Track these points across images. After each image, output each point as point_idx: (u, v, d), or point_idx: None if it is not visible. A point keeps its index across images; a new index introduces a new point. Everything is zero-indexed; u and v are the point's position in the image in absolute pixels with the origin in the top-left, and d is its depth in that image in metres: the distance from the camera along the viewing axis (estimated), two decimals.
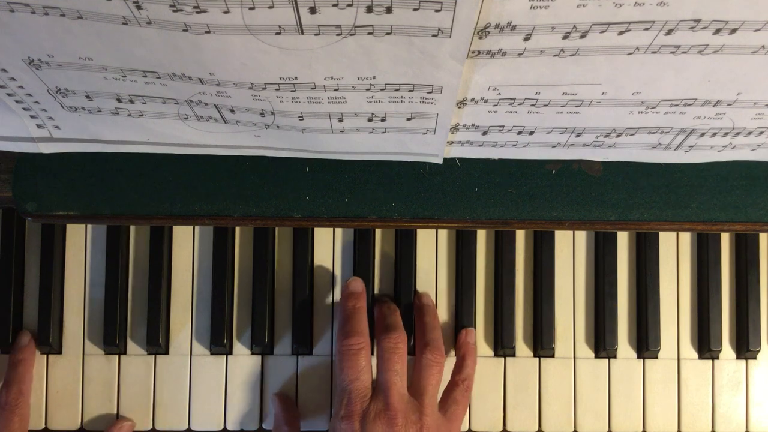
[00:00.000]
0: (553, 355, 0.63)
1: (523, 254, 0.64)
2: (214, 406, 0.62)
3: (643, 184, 0.56)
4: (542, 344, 0.62)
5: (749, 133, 0.50)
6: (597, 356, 0.63)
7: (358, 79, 0.42)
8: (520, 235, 0.64)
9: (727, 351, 0.64)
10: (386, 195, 0.55)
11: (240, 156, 0.55)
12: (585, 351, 0.63)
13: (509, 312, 0.62)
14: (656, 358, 0.63)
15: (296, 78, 0.41)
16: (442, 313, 0.63)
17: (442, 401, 0.59)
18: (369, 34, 0.37)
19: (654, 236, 0.63)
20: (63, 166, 0.55)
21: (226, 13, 0.35)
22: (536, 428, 0.63)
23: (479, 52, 0.39)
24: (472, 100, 0.46)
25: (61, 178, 0.55)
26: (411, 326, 0.62)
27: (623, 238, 0.64)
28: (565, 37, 0.38)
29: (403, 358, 0.57)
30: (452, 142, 0.53)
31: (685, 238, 0.64)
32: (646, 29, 0.37)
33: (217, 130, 0.51)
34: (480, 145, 0.53)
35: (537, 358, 0.63)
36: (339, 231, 0.64)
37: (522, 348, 0.63)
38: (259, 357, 0.63)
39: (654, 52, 0.39)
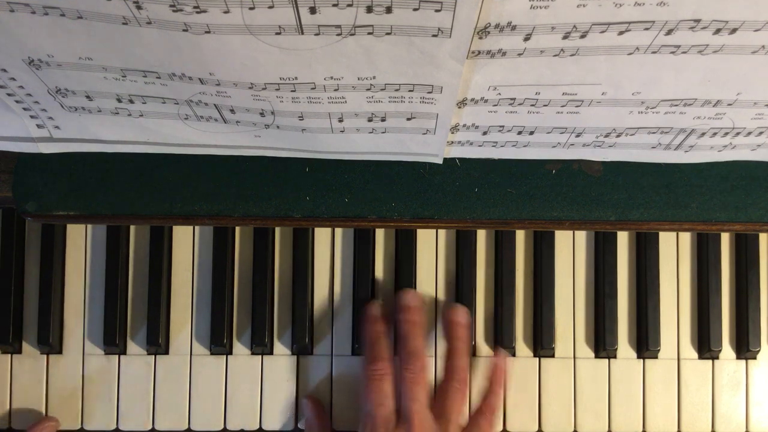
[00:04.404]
0: (553, 355, 0.63)
1: (523, 254, 0.64)
2: (214, 406, 0.62)
3: (643, 184, 0.56)
4: (542, 344, 0.62)
5: (749, 133, 0.50)
6: (597, 356, 0.63)
7: (358, 79, 0.42)
8: (520, 235, 0.64)
9: (727, 351, 0.64)
10: (386, 195, 0.55)
11: (240, 156, 0.55)
12: (585, 351, 0.63)
13: (509, 312, 0.62)
14: (656, 358, 0.63)
15: (296, 78, 0.41)
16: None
17: (468, 428, 0.59)
18: (369, 34, 0.37)
19: (654, 236, 0.63)
20: (63, 166, 0.55)
21: (226, 13, 0.35)
22: (536, 428, 0.63)
23: (479, 52, 0.39)
24: (472, 100, 0.46)
25: (61, 178, 0.55)
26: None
27: (623, 238, 0.64)
28: (565, 37, 0.38)
29: (426, 386, 0.57)
30: (452, 142, 0.53)
31: (685, 238, 0.64)
32: (646, 29, 0.37)
33: (217, 130, 0.51)
34: (480, 145, 0.53)
35: (537, 358, 0.63)
36: (339, 231, 0.64)
37: (522, 348, 0.63)
38: (259, 357, 0.63)
39: (654, 52, 0.39)
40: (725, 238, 0.64)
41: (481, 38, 0.38)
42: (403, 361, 0.58)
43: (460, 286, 0.63)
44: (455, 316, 0.61)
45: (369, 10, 0.35)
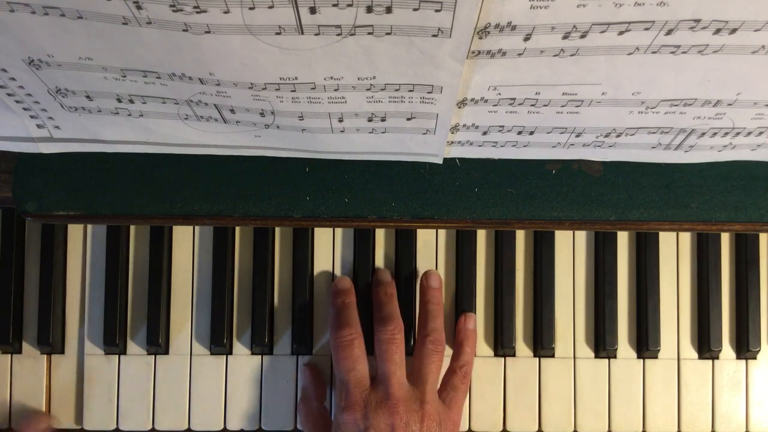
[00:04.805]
0: (553, 355, 0.63)
1: (523, 254, 0.64)
2: (214, 406, 0.62)
3: (643, 184, 0.56)
4: (542, 344, 0.62)
5: (749, 133, 0.50)
6: (597, 356, 0.63)
7: (358, 79, 0.42)
8: (520, 235, 0.64)
9: (727, 351, 0.64)
10: (386, 195, 0.55)
11: (240, 156, 0.55)
12: (585, 351, 0.63)
13: (509, 312, 0.62)
14: (656, 358, 0.63)
15: (296, 78, 0.41)
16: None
17: (441, 388, 0.59)
18: (369, 34, 0.37)
19: (654, 236, 0.63)
20: (63, 166, 0.55)
21: (226, 13, 0.35)
22: (536, 428, 0.63)
23: (479, 52, 0.39)
24: (472, 100, 0.46)
25: (61, 178, 0.55)
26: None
27: (623, 238, 0.64)
28: (565, 37, 0.38)
29: (401, 347, 0.57)
30: (452, 142, 0.53)
31: (685, 238, 0.64)
32: (646, 29, 0.37)
33: (217, 130, 0.51)
34: (480, 145, 0.53)
35: (537, 358, 0.63)
36: (339, 231, 0.64)
37: (522, 348, 0.63)
38: (259, 357, 0.63)
39: (654, 52, 0.39)
40: (725, 238, 0.64)
41: (481, 38, 0.38)
42: (378, 325, 0.58)
43: (460, 286, 0.63)
44: (426, 280, 0.62)
45: (369, 10, 0.35)
